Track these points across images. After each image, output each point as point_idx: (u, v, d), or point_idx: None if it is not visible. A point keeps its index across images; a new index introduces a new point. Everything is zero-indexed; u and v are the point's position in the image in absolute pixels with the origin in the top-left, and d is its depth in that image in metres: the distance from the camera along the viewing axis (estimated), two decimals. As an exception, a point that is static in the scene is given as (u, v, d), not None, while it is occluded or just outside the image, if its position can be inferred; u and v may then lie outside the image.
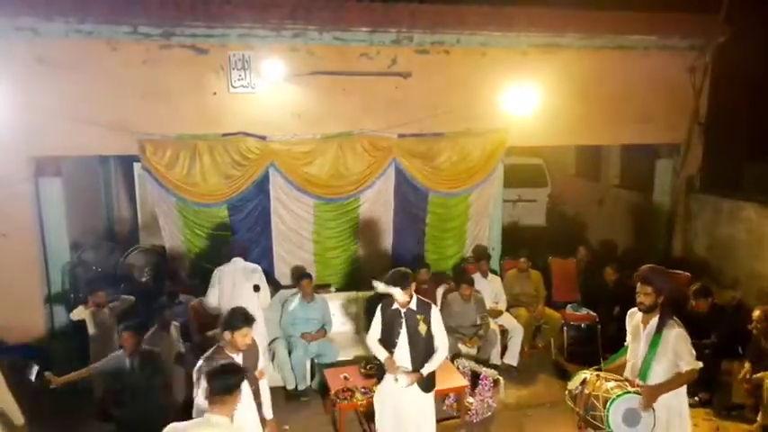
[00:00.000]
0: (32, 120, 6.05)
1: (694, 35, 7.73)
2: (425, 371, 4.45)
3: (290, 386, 6.04)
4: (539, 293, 7.14)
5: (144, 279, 6.77)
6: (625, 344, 4.43)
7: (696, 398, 5.82)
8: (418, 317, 4.44)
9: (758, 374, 5.35)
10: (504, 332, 6.70)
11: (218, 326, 5.62)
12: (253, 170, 6.71)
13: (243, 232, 6.85)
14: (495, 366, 6.35)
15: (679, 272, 7.00)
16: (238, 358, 4.03)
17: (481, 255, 7.17)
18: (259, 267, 5.85)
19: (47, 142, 6.18)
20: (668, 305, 4.09)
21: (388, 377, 4.56)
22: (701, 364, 4.04)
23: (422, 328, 4.42)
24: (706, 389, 5.82)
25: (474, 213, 7.58)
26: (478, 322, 6.43)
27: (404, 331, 4.44)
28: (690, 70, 7.91)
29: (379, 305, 4.64)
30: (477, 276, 6.89)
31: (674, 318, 4.09)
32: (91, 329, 5.67)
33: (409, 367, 4.45)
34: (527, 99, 7.22)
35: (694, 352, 4.04)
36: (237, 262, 5.74)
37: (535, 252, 8.06)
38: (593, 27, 7.39)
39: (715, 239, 7.87)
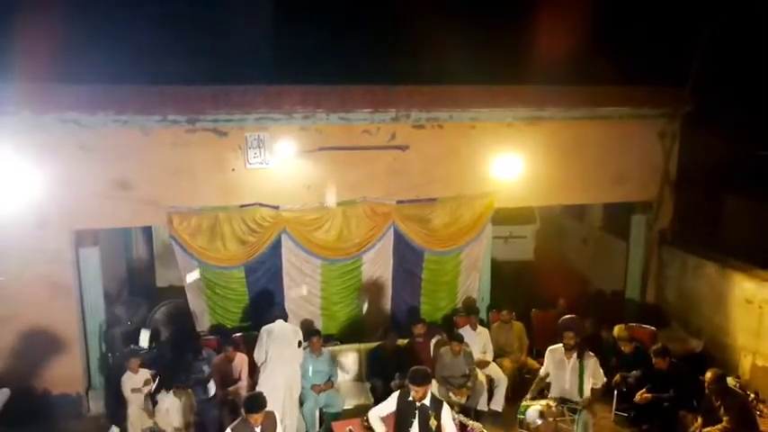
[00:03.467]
0: (75, 197, 6.89)
1: (664, 105, 8.57)
2: None
3: (302, 433, 6.86)
4: (521, 343, 7.94)
5: (163, 339, 7.54)
6: (540, 374, 6.34)
7: (656, 445, 6.71)
8: (430, 412, 4.98)
9: (707, 429, 6.17)
10: (490, 381, 7.49)
11: (239, 380, 6.60)
12: (267, 236, 7.53)
13: (257, 291, 7.67)
14: (482, 412, 7.16)
15: (645, 326, 7.85)
16: (258, 428, 4.99)
17: (471, 309, 7.99)
18: (298, 328, 6.74)
19: (87, 216, 7.00)
20: (582, 342, 6.20)
21: None
22: (605, 379, 6.17)
23: (432, 423, 4.96)
24: (665, 437, 6.66)
25: (465, 268, 8.41)
26: (467, 373, 7.24)
27: (416, 423, 5.00)
28: (660, 135, 8.75)
29: (398, 393, 5.24)
30: (466, 329, 7.69)
31: (587, 350, 6.10)
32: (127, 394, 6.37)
33: None
34: (513, 165, 8.10)
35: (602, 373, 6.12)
36: (281, 323, 6.55)
37: (522, 285, 8.84)
38: (572, 101, 8.22)
39: (683, 290, 8.71)
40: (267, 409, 5.04)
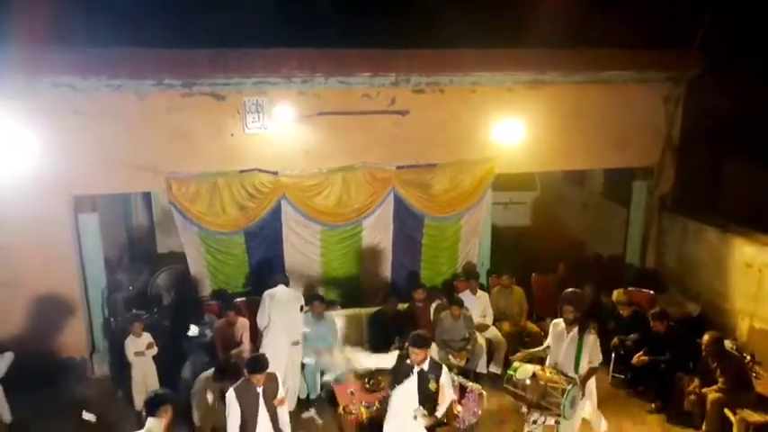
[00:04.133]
0: (72, 163, 6.83)
1: (669, 68, 8.42)
2: (439, 414, 5.23)
3: (303, 395, 6.95)
4: (521, 308, 7.99)
5: (165, 304, 7.58)
6: (545, 344, 6.05)
7: (652, 405, 6.81)
8: (430, 377, 5.11)
9: (703, 390, 6.27)
10: (490, 344, 7.57)
11: (241, 345, 6.67)
12: (266, 202, 7.51)
13: (258, 256, 7.69)
14: (481, 375, 7.26)
15: (644, 290, 7.88)
16: (260, 389, 5.05)
17: (471, 274, 8.02)
18: (300, 293, 6.78)
19: (84, 182, 6.96)
20: (584, 318, 5.75)
21: (402, 410, 5.16)
22: (601, 359, 5.73)
23: (432, 386, 5.12)
24: (661, 398, 6.76)
25: (465, 234, 8.41)
26: (467, 336, 7.31)
27: (414, 386, 5.07)
28: (664, 100, 8.64)
29: (399, 353, 5.36)
30: (467, 294, 7.74)
31: (590, 326, 5.71)
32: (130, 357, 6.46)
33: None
34: (513, 131, 8.02)
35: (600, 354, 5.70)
36: (283, 288, 6.61)
37: (522, 251, 8.89)
38: (574, 65, 8.06)
39: (682, 255, 8.73)
40: (269, 371, 5.10)
